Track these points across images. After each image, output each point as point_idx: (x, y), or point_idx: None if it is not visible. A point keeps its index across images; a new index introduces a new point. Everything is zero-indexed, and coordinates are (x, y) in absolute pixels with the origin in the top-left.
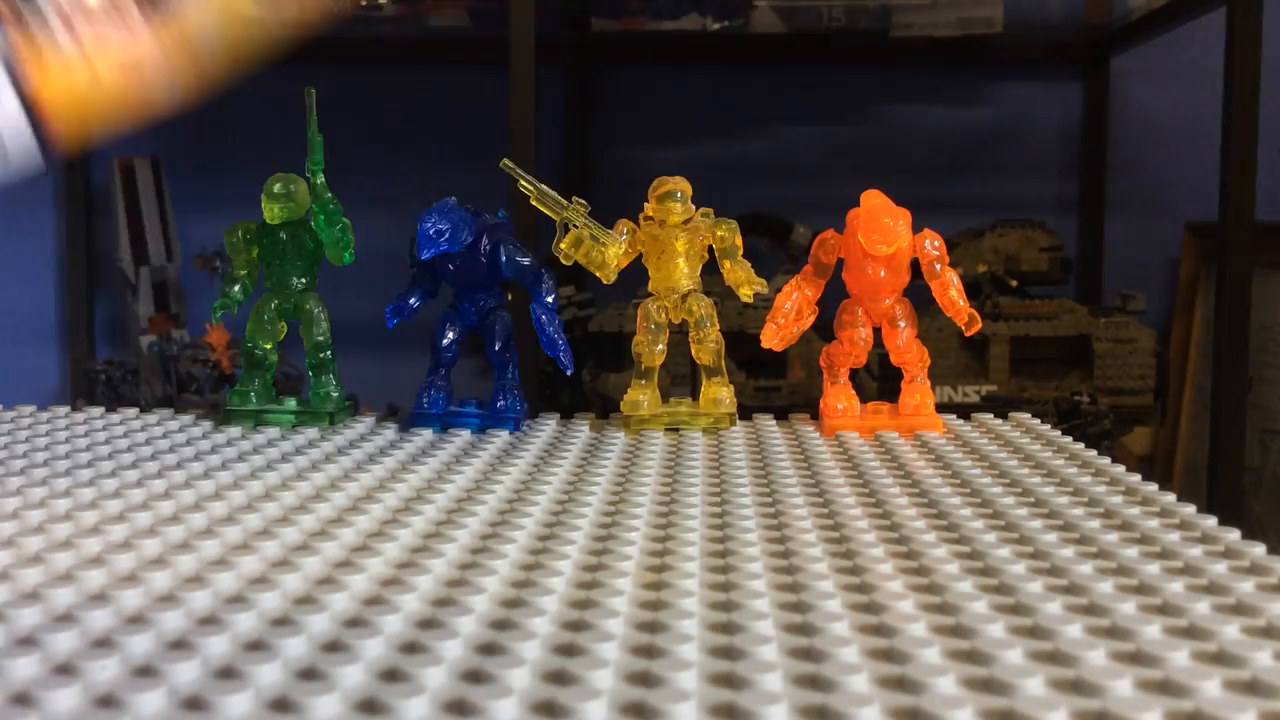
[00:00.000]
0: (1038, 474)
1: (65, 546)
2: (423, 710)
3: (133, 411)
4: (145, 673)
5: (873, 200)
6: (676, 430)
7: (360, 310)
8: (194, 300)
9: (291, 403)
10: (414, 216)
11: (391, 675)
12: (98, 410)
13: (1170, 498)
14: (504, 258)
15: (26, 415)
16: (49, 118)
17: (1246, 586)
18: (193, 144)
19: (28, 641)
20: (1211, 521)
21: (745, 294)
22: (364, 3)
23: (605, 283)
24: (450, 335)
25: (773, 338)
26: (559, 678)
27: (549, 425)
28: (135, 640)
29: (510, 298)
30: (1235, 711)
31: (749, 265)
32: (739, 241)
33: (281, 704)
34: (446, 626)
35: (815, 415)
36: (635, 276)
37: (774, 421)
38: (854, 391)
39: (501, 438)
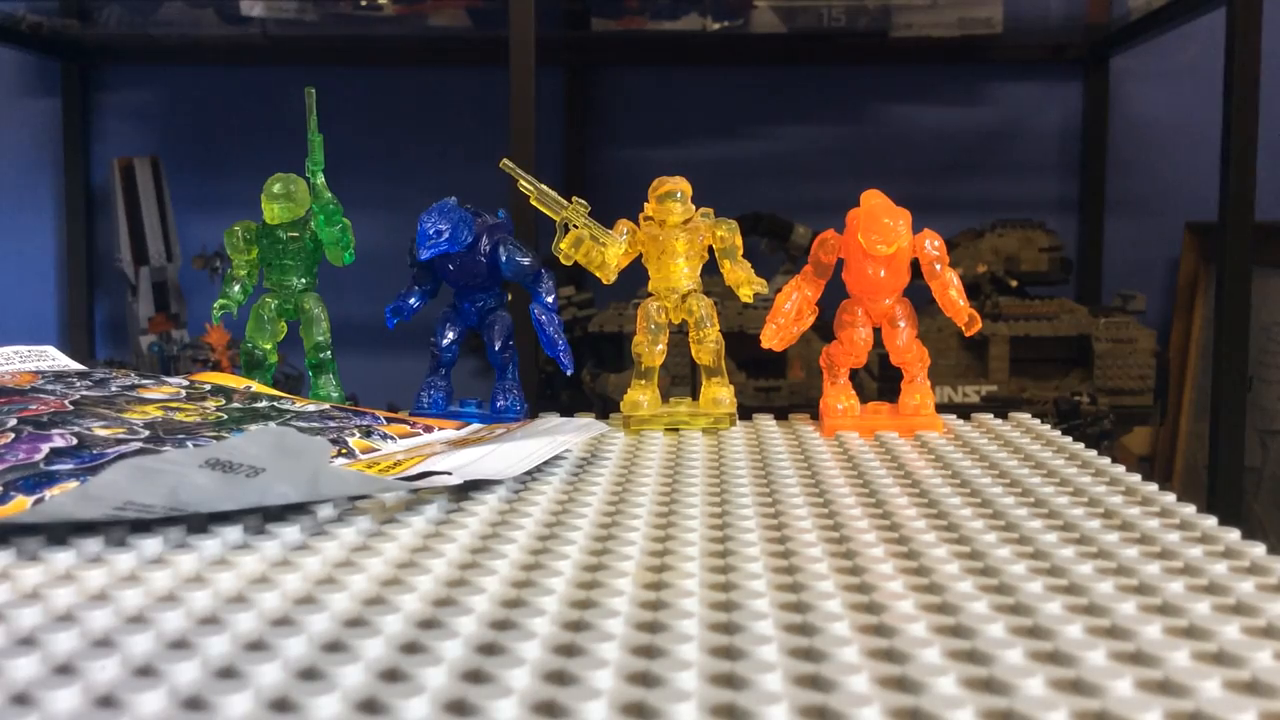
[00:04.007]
0: (1038, 474)
1: (65, 546)
2: (423, 710)
3: None
4: (145, 673)
5: (873, 200)
6: (676, 430)
7: (360, 310)
8: (194, 300)
9: None
10: (414, 216)
11: (391, 675)
12: None
13: (1170, 498)
14: (504, 258)
15: None
16: None
17: (1246, 586)
18: (193, 144)
19: (28, 641)
20: (1211, 521)
21: (745, 294)
22: (364, 3)
23: (605, 283)
24: (450, 335)
25: (773, 338)
26: (559, 678)
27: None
28: (135, 640)
29: (510, 298)
30: (1235, 711)
31: (749, 265)
32: (739, 241)
33: (281, 704)
34: (446, 626)
35: (815, 415)
36: (635, 276)
37: (774, 421)
38: (854, 391)
39: None
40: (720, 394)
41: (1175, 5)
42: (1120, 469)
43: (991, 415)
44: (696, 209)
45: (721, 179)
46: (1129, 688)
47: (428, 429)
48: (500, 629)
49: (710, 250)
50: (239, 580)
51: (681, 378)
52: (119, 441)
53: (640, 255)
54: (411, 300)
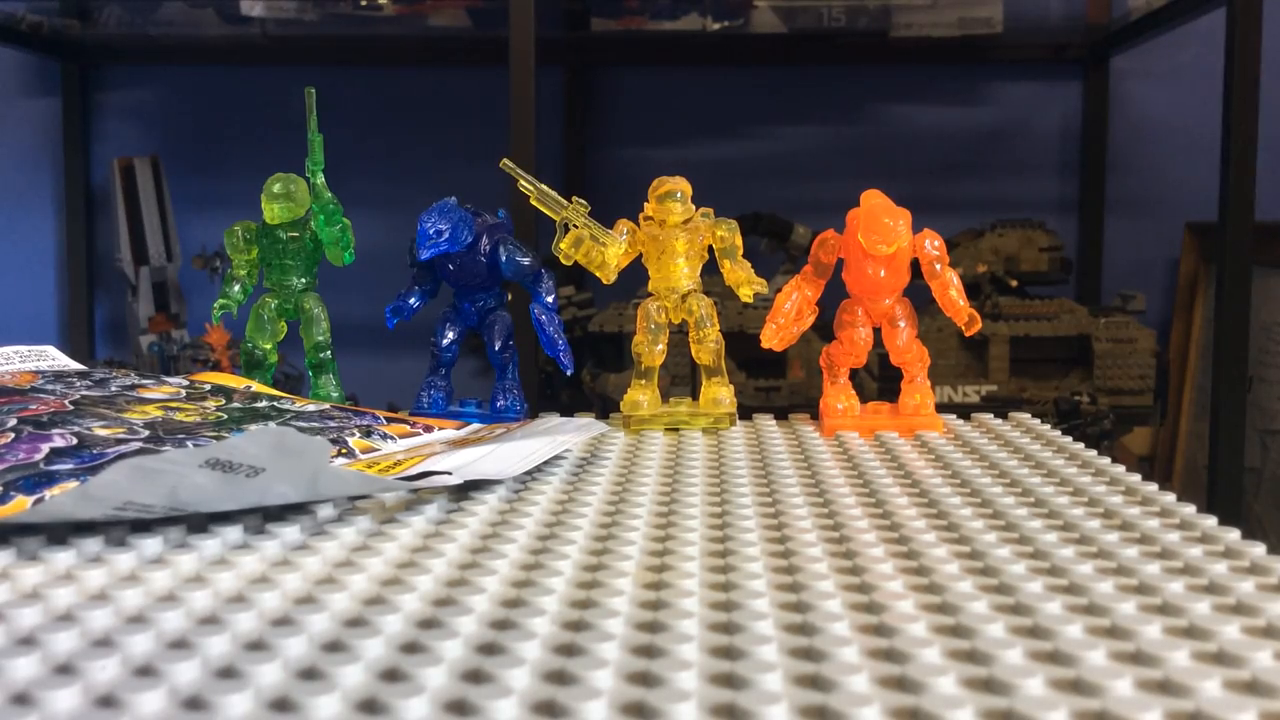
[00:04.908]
0: (1038, 474)
1: (65, 546)
2: (423, 710)
3: None
4: (145, 673)
5: (873, 200)
6: (676, 430)
7: (360, 310)
8: (194, 300)
9: None
10: (414, 216)
11: (391, 675)
12: None
13: (1170, 498)
14: (504, 258)
15: None
16: None
17: (1246, 586)
18: (193, 144)
19: (28, 641)
20: (1211, 521)
21: (745, 294)
22: (364, 3)
23: (605, 283)
24: (450, 335)
25: (773, 338)
26: (559, 678)
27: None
28: (135, 640)
29: (510, 298)
30: (1235, 711)
31: (749, 265)
32: (739, 241)
33: (281, 704)
34: (446, 626)
35: (815, 415)
36: (635, 276)
37: (774, 421)
38: (854, 391)
39: None
40: (720, 394)
41: (1175, 5)
42: (1120, 469)
43: (991, 415)
44: (696, 209)
45: (721, 179)
46: (1129, 688)
47: (428, 429)
48: (500, 629)
49: (710, 250)
50: (239, 580)
51: (681, 378)
52: (119, 441)
53: (640, 255)
54: (411, 300)
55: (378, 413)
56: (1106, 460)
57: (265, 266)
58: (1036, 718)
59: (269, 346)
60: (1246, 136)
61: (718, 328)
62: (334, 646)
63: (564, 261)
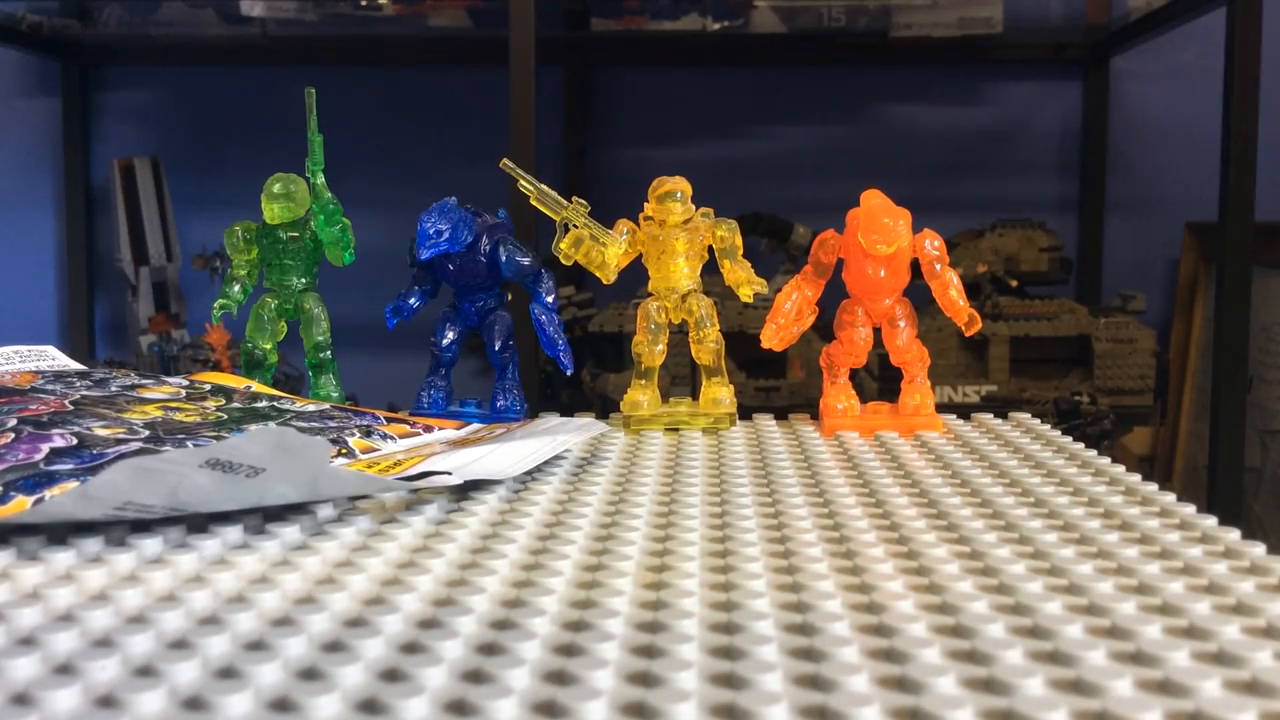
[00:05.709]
0: (1038, 474)
1: (65, 546)
2: (423, 710)
3: None
4: (145, 673)
5: (873, 200)
6: (676, 430)
7: (360, 310)
8: (194, 300)
9: None
10: (414, 216)
11: (391, 675)
12: None
13: (1170, 498)
14: (504, 258)
15: None
16: None
17: (1246, 586)
18: (193, 144)
19: (28, 641)
20: (1211, 521)
21: (745, 294)
22: (364, 3)
23: (605, 283)
24: (450, 335)
25: (773, 338)
26: (559, 678)
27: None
28: (135, 640)
29: (510, 298)
30: (1235, 711)
31: (749, 265)
32: (739, 241)
33: (281, 704)
34: (446, 626)
35: (815, 415)
36: (635, 276)
37: (774, 421)
38: (854, 391)
39: None
40: (720, 394)
41: (1175, 5)
42: (1120, 469)
43: (991, 415)
44: (696, 209)
45: (721, 179)
46: (1129, 688)
47: (428, 429)
48: (500, 629)
49: (710, 250)
50: (239, 580)
51: (681, 378)
52: (119, 441)
53: (640, 255)
54: (411, 300)
55: (378, 413)
56: (1106, 460)
57: (265, 266)
58: (1036, 718)
59: (269, 346)
60: (1246, 136)
61: (718, 328)
62: (334, 646)
63: (564, 261)
